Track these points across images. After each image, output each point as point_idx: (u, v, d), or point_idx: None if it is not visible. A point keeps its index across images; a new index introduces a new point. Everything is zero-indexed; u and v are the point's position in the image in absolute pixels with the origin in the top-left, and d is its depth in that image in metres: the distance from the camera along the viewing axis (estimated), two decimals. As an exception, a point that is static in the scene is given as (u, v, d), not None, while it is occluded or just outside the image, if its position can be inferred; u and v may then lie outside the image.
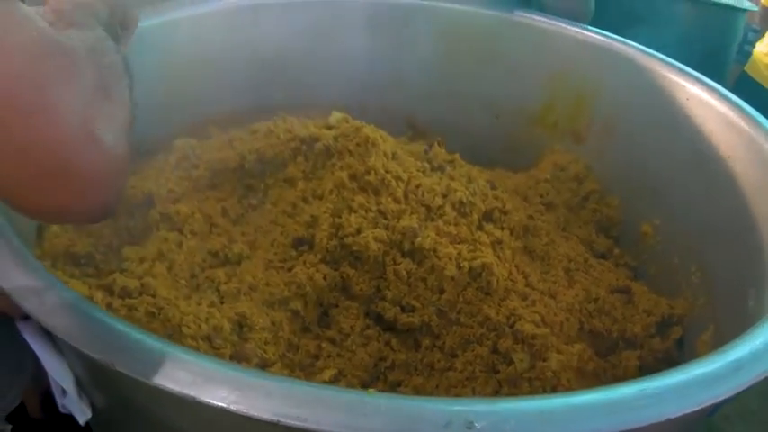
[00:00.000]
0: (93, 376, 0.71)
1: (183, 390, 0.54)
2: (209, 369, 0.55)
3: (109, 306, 0.91)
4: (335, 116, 1.16)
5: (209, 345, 0.88)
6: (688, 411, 0.59)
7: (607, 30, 1.41)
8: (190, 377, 0.54)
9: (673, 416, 0.58)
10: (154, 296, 0.92)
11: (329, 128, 1.14)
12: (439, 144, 1.18)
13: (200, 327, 0.88)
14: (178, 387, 0.54)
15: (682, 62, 1.31)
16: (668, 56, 1.33)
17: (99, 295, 0.91)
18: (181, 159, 1.19)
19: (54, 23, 0.58)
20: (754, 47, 2.27)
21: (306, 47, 1.45)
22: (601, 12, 1.55)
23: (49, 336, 0.68)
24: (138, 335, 0.59)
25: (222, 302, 0.95)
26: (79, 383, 0.73)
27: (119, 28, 0.79)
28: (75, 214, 0.58)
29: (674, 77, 1.25)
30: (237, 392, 0.54)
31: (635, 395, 0.59)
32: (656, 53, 1.31)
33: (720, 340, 1.02)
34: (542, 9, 1.44)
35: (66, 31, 0.58)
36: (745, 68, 2.14)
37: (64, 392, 0.71)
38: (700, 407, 0.60)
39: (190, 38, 1.32)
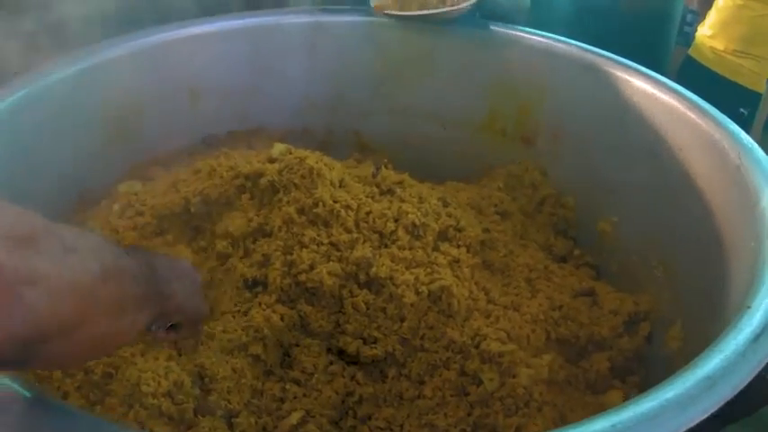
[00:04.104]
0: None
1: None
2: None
3: (64, 372, 0.88)
4: (278, 148, 1.14)
5: (170, 401, 0.86)
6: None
7: (549, 24, 1.40)
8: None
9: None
10: (109, 355, 0.89)
11: (272, 161, 1.11)
12: (386, 165, 1.16)
13: (159, 383, 0.86)
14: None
15: (626, 48, 1.31)
16: (612, 43, 1.33)
17: (51, 362, 0.88)
18: (125, 207, 1.16)
19: None
20: (693, 29, 2.29)
21: (245, 75, 1.42)
22: (541, 7, 1.55)
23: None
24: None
25: (180, 355, 0.93)
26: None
27: None
28: None
29: (618, 73, 1.24)
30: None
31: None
32: (598, 50, 1.30)
33: (689, 333, 1.02)
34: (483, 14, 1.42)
35: None
36: (690, 52, 2.15)
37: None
38: (679, 432, 0.59)
39: (125, 77, 1.29)
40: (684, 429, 0.60)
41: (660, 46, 1.99)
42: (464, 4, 1.34)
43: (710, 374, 0.64)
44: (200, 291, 0.81)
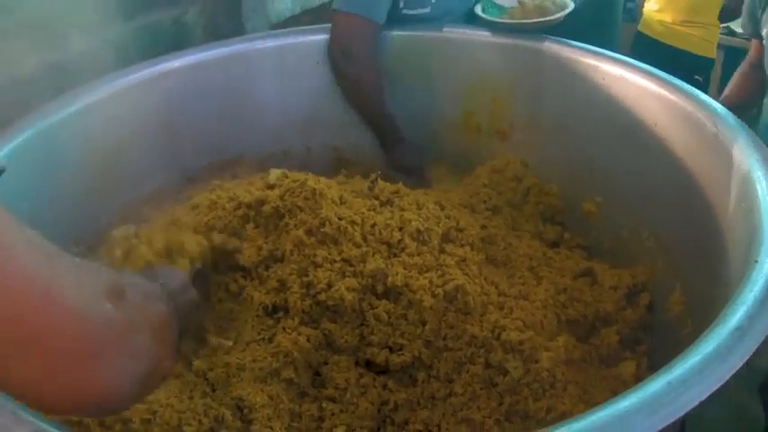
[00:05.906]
0: None
1: None
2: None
3: (102, 425, 0.88)
4: (274, 173, 1.15)
5: (215, 437, 0.87)
6: (715, 388, 0.62)
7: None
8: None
9: (703, 397, 0.61)
10: (143, 402, 0.90)
11: (271, 187, 1.13)
12: (380, 177, 1.18)
13: (200, 422, 0.87)
14: None
15: (577, 29, 1.36)
16: (565, 27, 1.37)
17: (88, 416, 0.88)
18: (128, 251, 1.15)
19: None
20: (635, 4, 2.37)
21: (221, 104, 1.43)
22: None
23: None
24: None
25: (214, 390, 0.94)
26: None
27: None
28: (51, 395, 0.49)
29: (585, 60, 1.29)
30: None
31: (664, 390, 0.61)
32: (562, 39, 1.34)
33: (690, 297, 1.06)
34: None
35: None
36: (639, 28, 2.22)
37: None
38: (722, 381, 0.63)
39: (104, 120, 1.28)
40: (728, 377, 0.64)
41: (609, 24, 2.06)
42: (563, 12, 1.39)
43: (739, 325, 0.69)
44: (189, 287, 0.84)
